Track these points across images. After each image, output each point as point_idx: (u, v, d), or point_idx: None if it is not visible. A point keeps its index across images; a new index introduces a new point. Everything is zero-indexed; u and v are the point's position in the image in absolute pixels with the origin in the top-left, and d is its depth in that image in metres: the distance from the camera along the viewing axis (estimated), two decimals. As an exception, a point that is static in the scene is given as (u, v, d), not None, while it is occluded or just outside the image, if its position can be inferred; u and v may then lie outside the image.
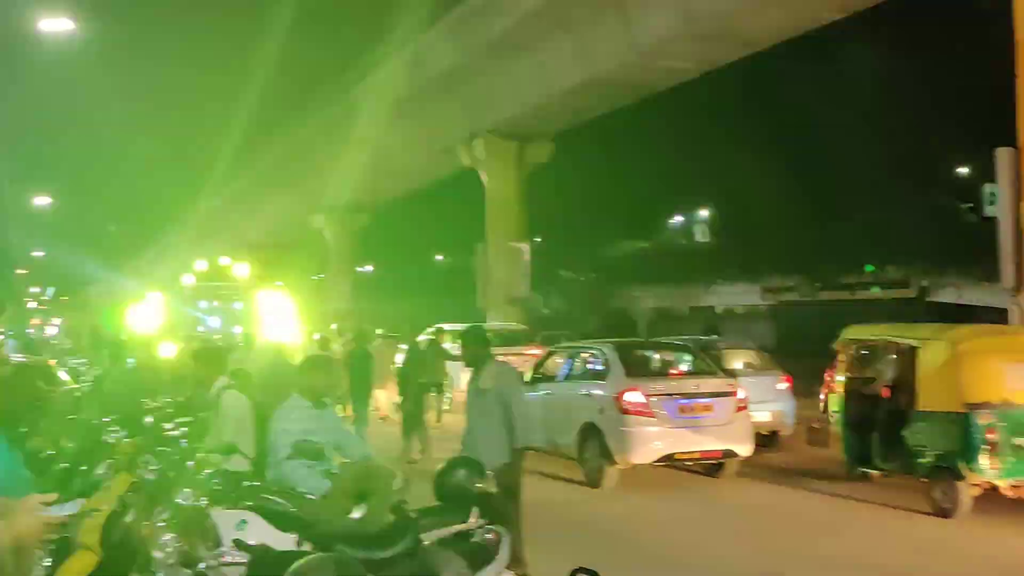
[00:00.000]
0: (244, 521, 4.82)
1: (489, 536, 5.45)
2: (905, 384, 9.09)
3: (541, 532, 6.87)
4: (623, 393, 10.14)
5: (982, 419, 8.16)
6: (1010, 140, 15.89)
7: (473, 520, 5.56)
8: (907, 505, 8.86)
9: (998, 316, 21.85)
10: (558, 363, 11.94)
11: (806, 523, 8.72)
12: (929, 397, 8.61)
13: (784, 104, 39.26)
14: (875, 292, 29.28)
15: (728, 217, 37.92)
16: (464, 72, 27.68)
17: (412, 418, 13.34)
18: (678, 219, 44.16)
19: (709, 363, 11.30)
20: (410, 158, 35.20)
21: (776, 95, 39.76)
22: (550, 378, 11.74)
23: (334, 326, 26.03)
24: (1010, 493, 8.39)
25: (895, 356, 9.57)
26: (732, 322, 39.62)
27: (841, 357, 10.45)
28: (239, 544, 4.49)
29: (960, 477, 8.34)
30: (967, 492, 8.37)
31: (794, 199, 31.59)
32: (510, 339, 20.08)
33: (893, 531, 8.28)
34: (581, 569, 4.06)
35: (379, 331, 21.82)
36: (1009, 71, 15.75)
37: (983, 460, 8.15)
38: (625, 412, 10.03)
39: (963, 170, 29.86)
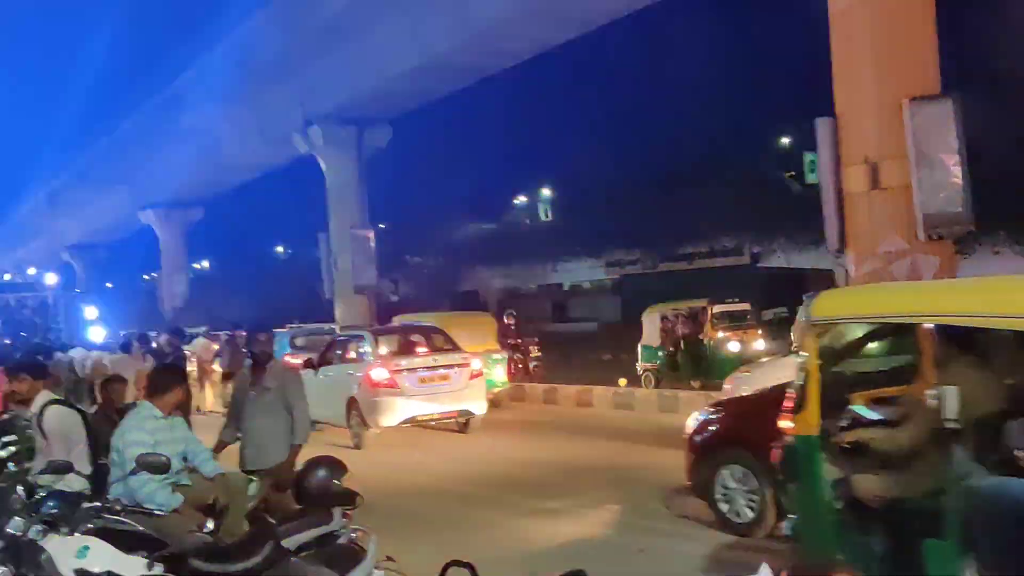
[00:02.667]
0: (86, 547, 4.40)
1: (355, 535, 5.27)
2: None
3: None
4: (370, 370, 12.67)
5: None
6: (828, 110, 16.82)
7: (337, 521, 5.37)
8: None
9: (824, 276, 23.22)
10: (337, 348, 14.54)
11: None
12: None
13: (614, 82, 40.20)
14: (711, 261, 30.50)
15: (569, 196, 38.50)
16: (295, 57, 26.89)
17: None
18: (521, 200, 44.50)
19: (450, 341, 14.14)
20: (243, 148, 33.99)
21: (606, 73, 40.69)
22: (330, 361, 14.15)
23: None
24: None
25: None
26: (580, 297, 40.51)
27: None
28: (82, 574, 4.12)
29: None
30: None
31: (630, 175, 32.44)
32: None
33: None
34: (455, 562, 3.97)
35: (202, 328, 23.02)
36: (825, 44, 16.65)
37: None
38: (374, 386, 12.48)
39: (785, 140, 31.43)
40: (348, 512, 5.46)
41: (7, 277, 48.23)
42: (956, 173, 15.62)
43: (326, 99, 28.29)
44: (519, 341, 20.82)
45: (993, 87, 22.56)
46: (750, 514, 7.09)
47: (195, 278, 51.00)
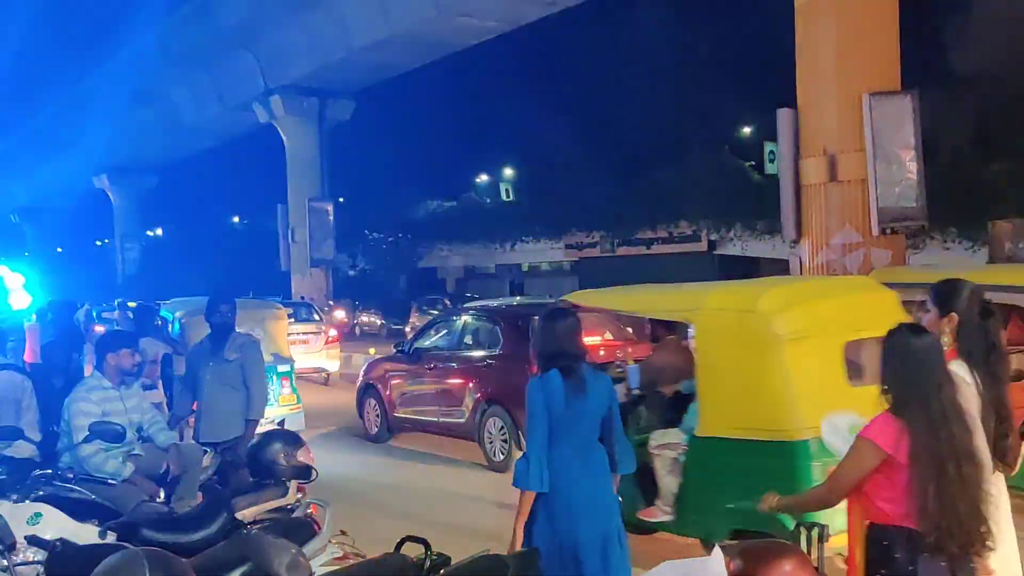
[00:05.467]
0: (38, 514, 4.36)
1: (310, 510, 5.28)
2: None
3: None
4: None
5: None
6: (790, 101, 17.00)
7: (292, 494, 5.37)
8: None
9: (780, 267, 23.56)
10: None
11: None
12: None
13: (580, 63, 40.27)
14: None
15: (532, 176, 38.52)
16: (259, 23, 26.50)
17: None
18: (484, 178, 44.42)
19: (318, 313, 18.92)
20: (201, 114, 33.49)
21: (572, 54, 40.73)
22: None
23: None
24: None
25: None
26: (538, 278, 40.63)
27: None
28: (34, 540, 4.07)
29: None
30: None
31: (593, 158, 32.57)
32: None
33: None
34: (410, 537, 3.98)
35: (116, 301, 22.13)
36: (790, 36, 16.81)
37: None
38: None
39: (747, 130, 31.75)
40: (303, 485, 5.46)
41: None
42: (912, 168, 15.91)
43: (289, 68, 27.94)
44: None
45: (950, 85, 22.97)
46: None
47: (149, 246, 50.22)
